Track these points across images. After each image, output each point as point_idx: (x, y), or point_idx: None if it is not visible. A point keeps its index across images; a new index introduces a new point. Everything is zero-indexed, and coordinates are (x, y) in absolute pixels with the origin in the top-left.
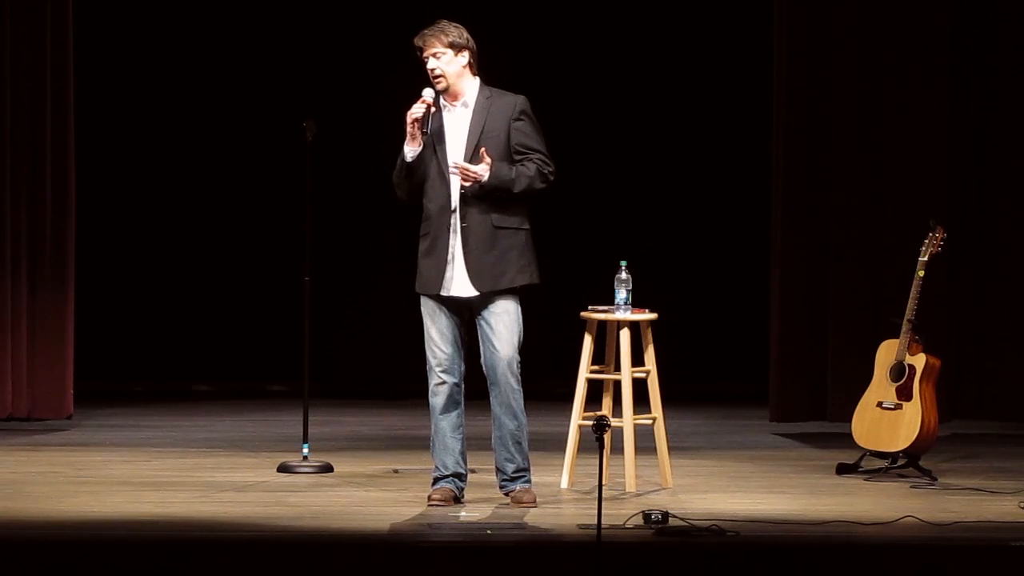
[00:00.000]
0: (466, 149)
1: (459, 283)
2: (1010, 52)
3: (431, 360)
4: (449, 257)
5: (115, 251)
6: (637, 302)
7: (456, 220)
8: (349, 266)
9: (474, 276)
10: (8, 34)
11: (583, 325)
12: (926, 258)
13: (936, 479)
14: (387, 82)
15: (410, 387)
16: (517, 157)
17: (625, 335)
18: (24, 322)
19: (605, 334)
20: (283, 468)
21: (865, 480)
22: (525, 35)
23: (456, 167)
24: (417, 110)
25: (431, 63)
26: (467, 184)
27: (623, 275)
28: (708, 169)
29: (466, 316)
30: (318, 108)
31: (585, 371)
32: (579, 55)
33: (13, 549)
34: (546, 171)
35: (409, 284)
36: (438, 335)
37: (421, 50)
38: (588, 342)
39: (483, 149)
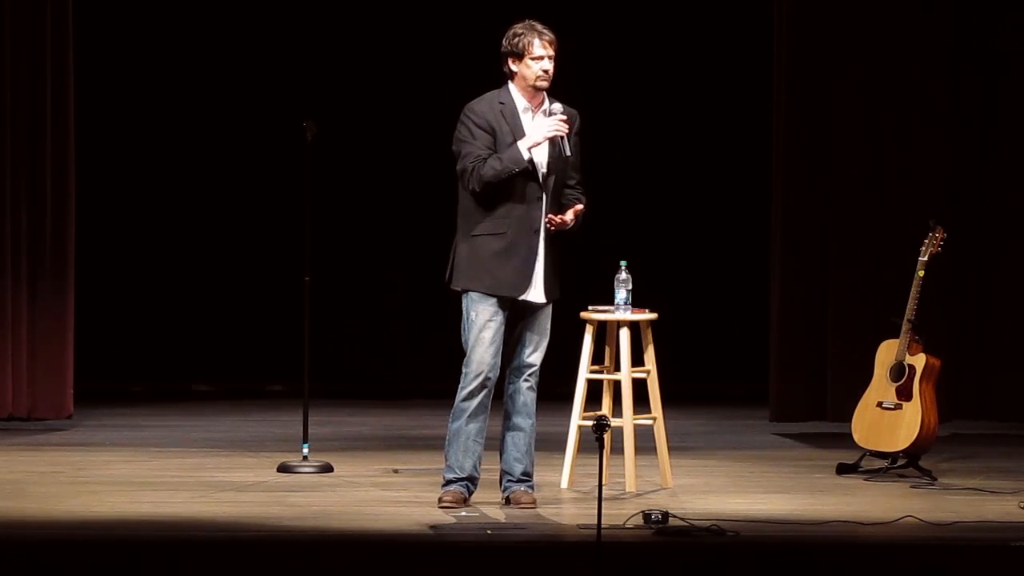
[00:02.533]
0: (548, 155)
1: (536, 289)
2: (1011, 52)
3: (476, 365)
4: (535, 261)
5: (115, 251)
6: (637, 302)
7: (543, 225)
8: (349, 266)
9: (547, 284)
10: (8, 34)
11: (583, 325)
12: (926, 258)
13: (936, 479)
14: (387, 82)
15: (410, 387)
16: (569, 175)
17: (625, 335)
18: (24, 322)
19: (605, 334)
20: (283, 468)
21: (865, 480)
22: None
23: (551, 221)
24: (563, 127)
25: (547, 64)
26: (552, 228)
27: (623, 275)
28: (708, 169)
29: (509, 318)
30: (318, 108)
31: (585, 371)
32: (578, 55)
33: (13, 549)
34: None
35: (410, 283)
36: (489, 341)
37: (546, 45)
38: (588, 342)
39: (577, 208)
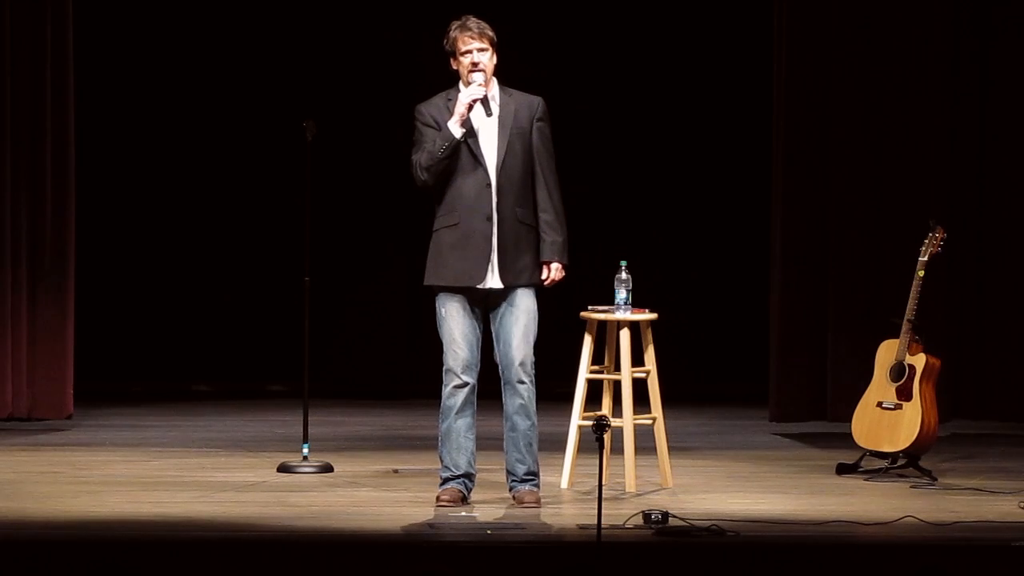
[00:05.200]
0: (498, 142)
1: (493, 275)
2: (1010, 51)
3: (451, 362)
4: (490, 247)
5: (115, 251)
6: (637, 302)
7: (493, 211)
8: (349, 266)
9: (503, 269)
10: (8, 34)
11: (583, 325)
12: (926, 258)
13: (936, 479)
14: (387, 82)
15: (410, 387)
16: (537, 163)
17: (625, 335)
18: (24, 322)
19: (605, 334)
20: (283, 468)
21: (865, 480)
22: (524, 35)
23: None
24: (478, 92)
25: (477, 56)
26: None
27: (623, 275)
28: (708, 169)
29: (483, 312)
30: (318, 108)
31: (585, 371)
32: (578, 55)
33: (13, 549)
34: (559, 194)
35: (411, 283)
36: (461, 335)
37: (468, 40)
38: (588, 342)
39: (551, 277)
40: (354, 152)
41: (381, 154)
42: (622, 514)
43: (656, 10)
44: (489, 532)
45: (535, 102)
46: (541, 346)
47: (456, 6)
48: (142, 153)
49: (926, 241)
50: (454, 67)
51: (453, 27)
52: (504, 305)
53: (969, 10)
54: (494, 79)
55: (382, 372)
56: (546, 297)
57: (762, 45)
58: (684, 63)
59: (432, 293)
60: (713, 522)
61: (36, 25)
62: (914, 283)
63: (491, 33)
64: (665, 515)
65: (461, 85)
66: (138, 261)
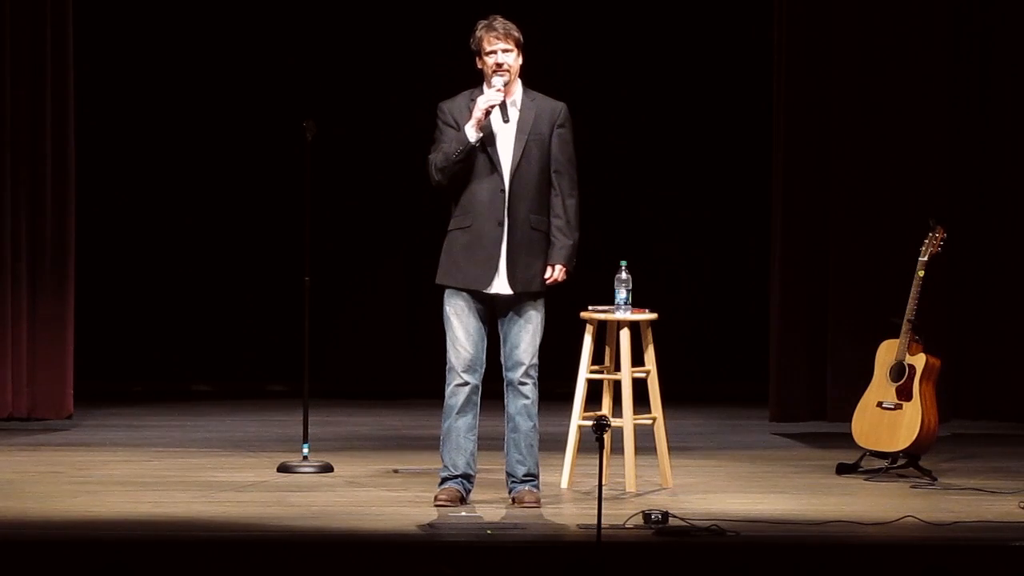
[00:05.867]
0: (514, 147)
1: (500, 280)
2: (1010, 51)
3: (453, 360)
4: (500, 252)
5: (115, 251)
6: (637, 302)
7: (505, 216)
8: (349, 266)
9: (511, 275)
10: (8, 34)
11: (583, 325)
12: (926, 258)
13: (936, 479)
14: (387, 82)
15: (410, 387)
16: (554, 169)
17: (625, 335)
18: (24, 322)
19: (605, 334)
20: (283, 468)
21: (865, 480)
22: (525, 36)
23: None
24: (495, 97)
25: (502, 56)
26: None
27: (623, 275)
28: (708, 169)
29: (490, 312)
30: (318, 108)
31: (585, 371)
32: (578, 55)
33: (13, 549)
34: (575, 201)
35: (410, 283)
36: (464, 334)
37: (493, 40)
38: (588, 342)
39: (554, 277)
40: (354, 152)
41: (381, 154)
42: (622, 514)
43: (658, 13)
44: (489, 532)
45: (557, 108)
46: (541, 346)
47: (454, 7)
48: (142, 153)
49: (926, 241)
50: (479, 66)
51: (479, 26)
52: (514, 311)
53: (969, 10)
54: (518, 81)
55: (382, 372)
56: (546, 297)
57: (762, 46)
58: (685, 64)
59: (439, 292)
60: (713, 522)
61: (36, 25)
62: (914, 283)
63: (517, 34)
64: (665, 515)
65: (485, 85)
66: (138, 261)
